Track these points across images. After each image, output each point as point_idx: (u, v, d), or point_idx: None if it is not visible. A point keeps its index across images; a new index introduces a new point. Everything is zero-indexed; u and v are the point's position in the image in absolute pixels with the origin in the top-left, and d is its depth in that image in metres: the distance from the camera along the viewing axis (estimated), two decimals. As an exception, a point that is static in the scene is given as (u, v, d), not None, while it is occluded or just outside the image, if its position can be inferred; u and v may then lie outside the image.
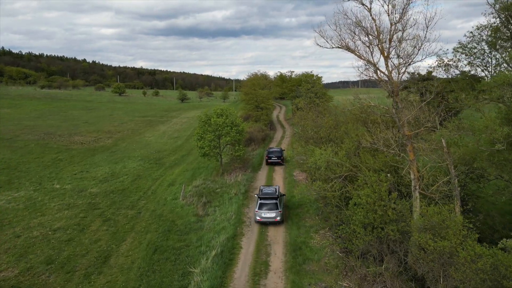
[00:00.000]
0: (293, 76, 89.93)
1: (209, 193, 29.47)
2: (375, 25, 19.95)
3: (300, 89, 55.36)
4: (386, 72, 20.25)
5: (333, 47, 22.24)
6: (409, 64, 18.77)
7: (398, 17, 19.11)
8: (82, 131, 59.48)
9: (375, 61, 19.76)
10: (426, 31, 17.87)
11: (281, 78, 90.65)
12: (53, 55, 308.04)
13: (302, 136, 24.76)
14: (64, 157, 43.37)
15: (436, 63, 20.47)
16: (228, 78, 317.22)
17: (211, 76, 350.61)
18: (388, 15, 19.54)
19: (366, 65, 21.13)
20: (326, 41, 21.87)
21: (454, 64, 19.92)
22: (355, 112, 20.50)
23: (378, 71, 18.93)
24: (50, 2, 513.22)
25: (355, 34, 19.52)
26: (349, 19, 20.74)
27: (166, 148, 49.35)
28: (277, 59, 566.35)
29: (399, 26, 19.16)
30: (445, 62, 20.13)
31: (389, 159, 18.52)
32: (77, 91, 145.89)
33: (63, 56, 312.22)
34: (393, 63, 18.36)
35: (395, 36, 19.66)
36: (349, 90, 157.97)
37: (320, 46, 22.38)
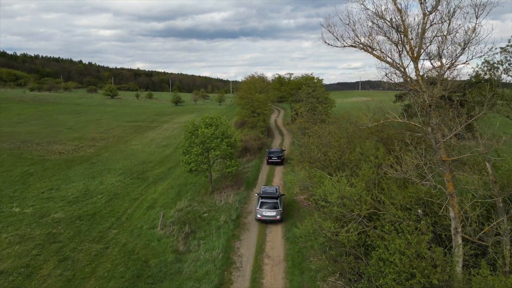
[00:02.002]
0: (292, 78, 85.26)
1: (194, 220, 24.79)
2: (401, 18, 15.43)
3: (300, 93, 50.76)
4: (415, 78, 15.75)
5: (345, 46, 17.67)
6: (450, 68, 14.24)
7: (434, 4, 14.61)
8: (63, 139, 54.65)
9: (404, 64, 15.22)
10: (476, 23, 13.34)
11: (280, 81, 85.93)
12: (48, 56, 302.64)
13: (305, 154, 20.09)
14: (36, 170, 38.55)
15: (480, 66, 15.91)
16: (226, 79, 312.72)
17: (209, 77, 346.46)
18: (421, 3, 14.99)
19: (389, 68, 16.64)
20: (337, 38, 17.32)
21: (504, 67, 15.33)
22: (365, 122, 15.83)
23: (407, 77, 14.34)
24: (49, 3, 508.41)
25: (379, 27, 14.94)
26: (367, 9, 16.26)
27: (153, 159, 44.60)
28: (275, 61, 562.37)
29: (435, 17, 14.66)
30: (492, 64, 15.56)
31: (422, 194, 13.92)
32: (68, 93, 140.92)
33: (59, 57, 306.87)
34: (440, 62, 13.73)
35: (429, 31, 15.18)
36: (348, 92, 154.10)
37: (329, 44, 17.76)
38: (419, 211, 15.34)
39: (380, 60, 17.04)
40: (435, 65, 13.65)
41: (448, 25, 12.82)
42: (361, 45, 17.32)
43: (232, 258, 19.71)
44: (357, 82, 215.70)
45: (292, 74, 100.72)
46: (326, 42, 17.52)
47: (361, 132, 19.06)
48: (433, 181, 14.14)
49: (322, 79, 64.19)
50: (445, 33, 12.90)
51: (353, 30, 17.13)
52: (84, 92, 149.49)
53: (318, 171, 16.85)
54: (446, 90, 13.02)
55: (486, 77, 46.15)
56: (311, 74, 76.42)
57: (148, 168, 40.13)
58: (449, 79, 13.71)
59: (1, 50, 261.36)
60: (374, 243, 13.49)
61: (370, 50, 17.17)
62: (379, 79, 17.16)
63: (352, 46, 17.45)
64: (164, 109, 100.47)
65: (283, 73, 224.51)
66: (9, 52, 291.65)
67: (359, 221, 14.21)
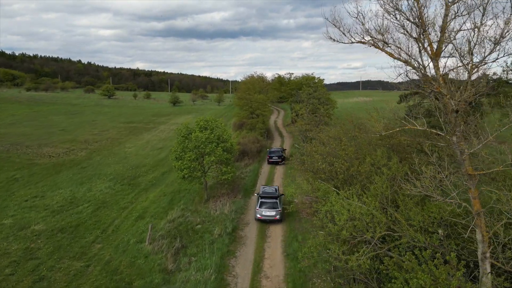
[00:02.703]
0: (292, 78, 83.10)
1: (186, 232, 22.78)
2: (418, 7, 13.44)
3: (301, 94, 48.74)
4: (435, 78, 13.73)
5: (352, 42, 15.72)
6: (478, 66, 12.19)
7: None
8: (55, 141, 52.61)
9: (423, 62, 13.19)
10: (511, 14, 11.31)
11: (279, 81, 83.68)
12: (47, 56, 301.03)
13: (307, 162, 17.89)
14: (23, 175, 36.52)
15: (509, 65, 13.80)
16: (226, 79, 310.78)
17: (209, 77, 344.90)
18: (443, -10, 12.99)
19: (403, 67, 14.64)
20: (343, 33, 15.38)
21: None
22: (378, 130, 13.79)
23: (430, 78, 12.29)
24: (49, 3, 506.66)
25: (396, 18, 12.96)
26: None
27: (146, 163, 42.53)
28: (275, 61, 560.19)
29: (458, 7, 12.61)
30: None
31: (446, 214, 11.89)
32: (65, 93, 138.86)
33: (58, 57, 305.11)
34: (471, 60, 11.68)
35: (453, 23, 13.15)
36: (349, 92, 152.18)
37: (334, 40, 15.79)
38: (440, 231, 13.32)
39: (393, 58, 15.06)
40: (460, 63, 11.56)
41: (482, 15, 10.71)
42: (371, 41, 15.33)
43: (226, 279, 17.68)
44: (357, 82, 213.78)
45: (292, 74, 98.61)
46: (331, 38, 15.54)
47: (369, 138, 17.02)
48: (458, 199, 12.11)
49: (323, 79, 62.10)
50: (478, 25, 10.80)
51: (362, 24, 15.18)
52: (81, 92, 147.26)
53: (322, 183, 14.84)
54: (478, 93, 10.96)
55: (495, 77, 43.85)
56: (312, 74, 74.32)
57: (140, 173, 38.06)
58: (480, 80, 11.64)
59: (0, 50, 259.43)
60: (389, 271, 11.45)
61: (381, 47, 15.19)
62: (392, 80, 15.19)
63: (360, 42, 15.46)
64: (162, 110, 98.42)
65: (283, 72, 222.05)
66: (9, 52, 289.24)
67: (372, 245, 12.17)
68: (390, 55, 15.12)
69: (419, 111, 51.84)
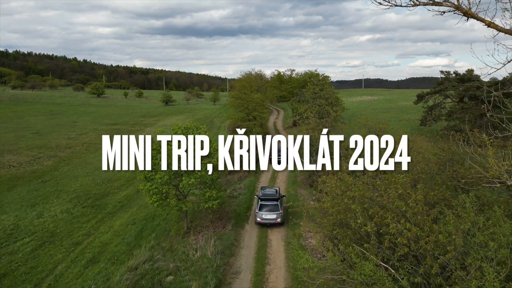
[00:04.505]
0: (293, 75, 76.06)
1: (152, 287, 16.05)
2: None
3: (305, 93, 42.01)
4: None
5: (417, 4, 9.07)
6: None
7: None
8: (22, 147, 45.74)
9: None
10: None
11: (279, 78, 76.50)
12: (42, 53, 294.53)
13: (330, 214, 10.80)
14: (-35, 193, 29.76)
15: None
16: (224, 77, 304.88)
17: (207, 75, 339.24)
18: None
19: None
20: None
21: None
22: (497, 174, 7.09)
23: None
24: (47, 1, 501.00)
25: None
26: None
27: (121, 176, 35.70)
28: (274, 59, 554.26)
29: None
30: None
31: None
32: (52, 92, 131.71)
33: (53, 54, 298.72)
34: None
35: None
36: (352, 91, 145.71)
37: (383, 3, 9.21)
38: None
39: (497, 29, 8.47)
40: None
41: None
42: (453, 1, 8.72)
43: None
44: (356, 80, 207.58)
45: (294, 70, 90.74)
46: (378, 2, 8.85)
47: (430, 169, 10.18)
48: None
49: (329, 76, 55.40)
50: None
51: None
52: (70, 91, 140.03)
53: (362, 253, 8.16)
54: None
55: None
56: (315, 70, 67.25)
57: (111, 190, 31.30)
58: None
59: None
60: None
61: (473, 14, 8.61)
62: (495, 65, 8.55)
63: (432, 3, 8.72)
64: (152, 110, 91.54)
65: (283, 70, 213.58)
66: (3, 49, 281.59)
67: None
68: (492, 25, 8.47)
69: (429, 111, 45.16)
